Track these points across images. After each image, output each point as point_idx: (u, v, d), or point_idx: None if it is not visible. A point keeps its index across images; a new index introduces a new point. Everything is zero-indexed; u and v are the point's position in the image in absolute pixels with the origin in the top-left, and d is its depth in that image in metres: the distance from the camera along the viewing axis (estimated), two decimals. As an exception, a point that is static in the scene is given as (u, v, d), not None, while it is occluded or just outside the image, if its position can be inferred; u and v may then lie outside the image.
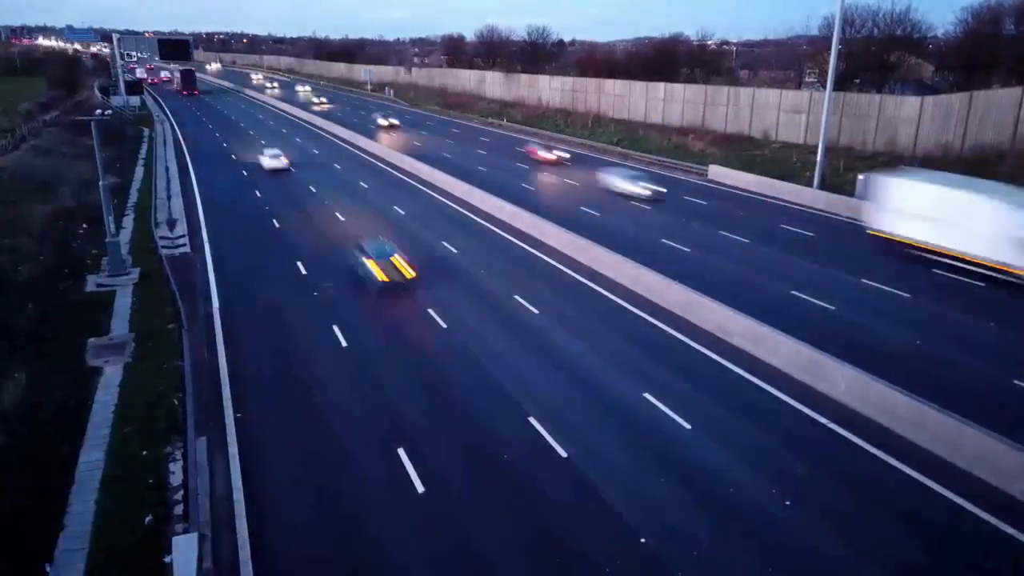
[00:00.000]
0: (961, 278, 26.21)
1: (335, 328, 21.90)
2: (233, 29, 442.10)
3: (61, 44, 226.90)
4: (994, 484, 14.16)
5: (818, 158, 38.88)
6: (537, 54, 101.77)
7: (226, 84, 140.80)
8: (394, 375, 19.12)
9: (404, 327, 22.36)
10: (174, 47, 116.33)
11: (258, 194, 41.76)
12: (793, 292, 24.89)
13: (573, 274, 27.38)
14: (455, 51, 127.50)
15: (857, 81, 56.64)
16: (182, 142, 62.87)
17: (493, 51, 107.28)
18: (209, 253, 30.04)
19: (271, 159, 48.98)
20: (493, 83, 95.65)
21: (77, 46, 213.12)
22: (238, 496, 14.00)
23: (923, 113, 44.05)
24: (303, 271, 27.57)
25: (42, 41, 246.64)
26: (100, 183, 27.39)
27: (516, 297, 24.67)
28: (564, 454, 15.45)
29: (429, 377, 19.01)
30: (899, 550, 12.76)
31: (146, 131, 67.44)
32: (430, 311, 23.30)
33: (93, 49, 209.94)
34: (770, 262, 28.69)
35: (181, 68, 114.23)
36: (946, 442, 15.13)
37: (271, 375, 19.18)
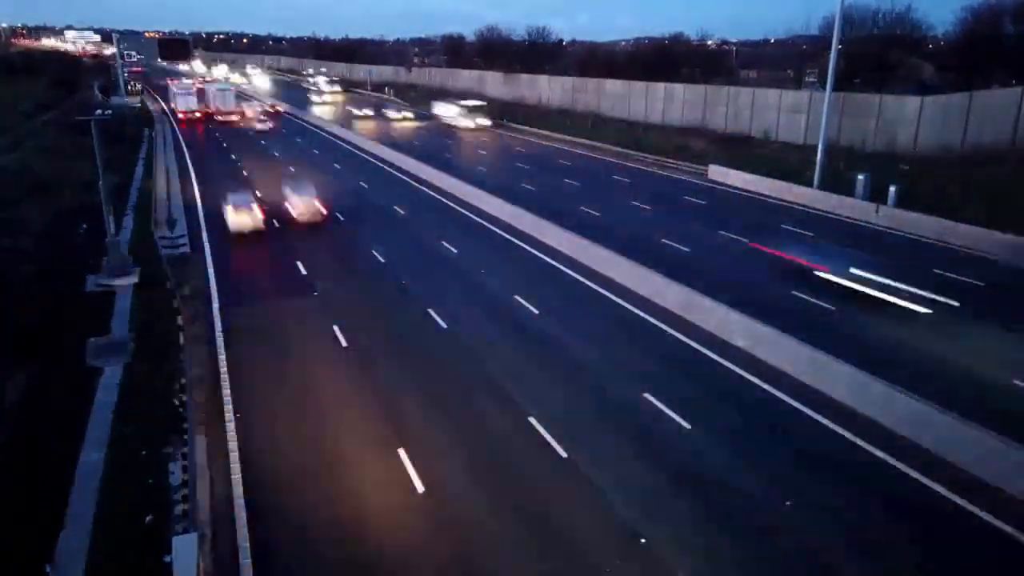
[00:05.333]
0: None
1: (335, 328, 21.89)
2: (233, 29, 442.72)
3: (64, 45, 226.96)
4: (995, 484, 14.16)
5: (818, 158, 38.88)
6: (537, 54, 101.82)
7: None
8: (393, 374, 19.12)
9: (403, 326, 22.37)
10: (174, 47, 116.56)
11: (258, 194, 41.70)
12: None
13: (572, 273, 27.38)
14: (455, 51, 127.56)
15: (857, 81, 56.65)
16: (182, 142, 62.88)
17: (493, 51, 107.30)
18: (209, 253, 30.03)
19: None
20: (493, 83, 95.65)
21: (74, 45, 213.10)
22: (238, 496, 13.99)
23: (923, 113, 44.06)
24: (303, 270, 27.57)
25: (43, 41, 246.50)
26: (100, 183, 27.39)
27: (517, 297, 24.71)
28: (564, 454, 15.45)
29: (429, 376, 19.03)
30: (899, 550, 12.77)
31: (146, 131, 67.37)
32: (430, 311, 23.32)
33: (92, 49, 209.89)
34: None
35: None
36: (947, 441, 15.13)
37: (271, 374, 19.17)
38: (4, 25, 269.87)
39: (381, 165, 52.52)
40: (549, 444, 15.80)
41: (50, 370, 18.87)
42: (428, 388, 18.41)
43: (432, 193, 42.67)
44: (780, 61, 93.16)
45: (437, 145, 62.59)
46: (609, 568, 12.27)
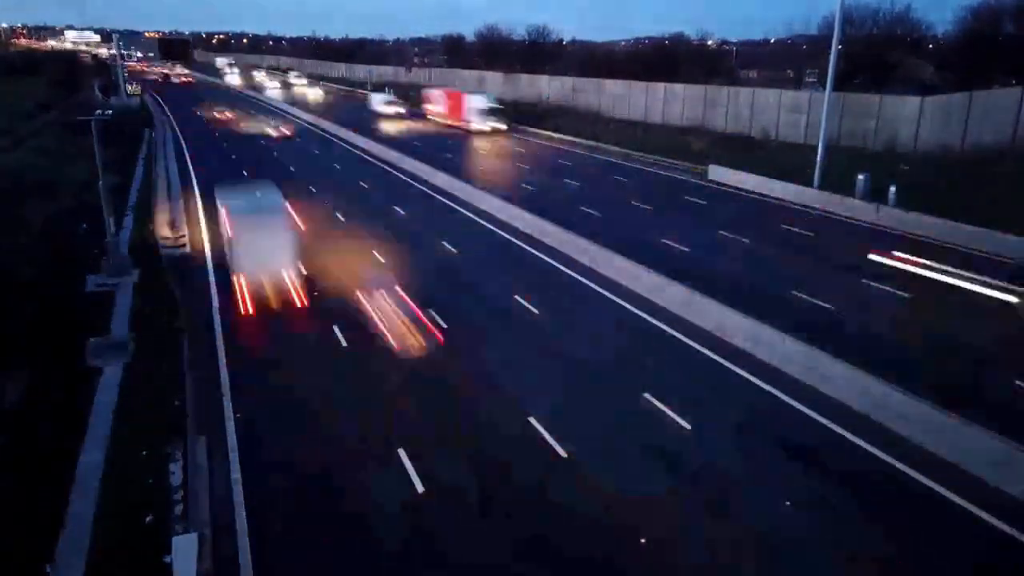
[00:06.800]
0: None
1: (335, 328, 21.89)
2: (233, 29, 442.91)
3: (63, 45, 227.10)
4: (995, 485, 14.15)
5: (818, 158, 38.88)
6: (537, 54, 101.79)
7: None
8: (393, 375, 19.14)
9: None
10: (174, 47, 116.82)
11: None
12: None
13: (572, 273, 27.39)
14: (455, 51, 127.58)
15: (857, 81, 56.67)
16: (182, 141, 62.89)
17: (493, 51, 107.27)
18: (209, 252, 30.03)
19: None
20: (493, 82, 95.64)
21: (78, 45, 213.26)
22: (238, 496, 14.01)
23: (923, 113, 44.08)
24: (303, 271, 27.52)
25: (43, 41, 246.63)
26: (100, 183, 27.39)
27: (516, 297, 24.73)
28: (564, 454, 15.46)
29: (430, 377, 19.06)
30: (900, 551, 12.77)
31: (146, 131, 67.37)
32: (432, 312, 23.33)
33: (93, 49, 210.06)
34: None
35: None
36: (947, 441, 15.12)
37: (271, 374, 19.20)
38: (4, 25, 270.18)
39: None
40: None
41: (50, 370, 18.87)
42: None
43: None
44: (780, 61, 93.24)
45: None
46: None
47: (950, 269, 25.58)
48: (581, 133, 63.97)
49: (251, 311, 23.06)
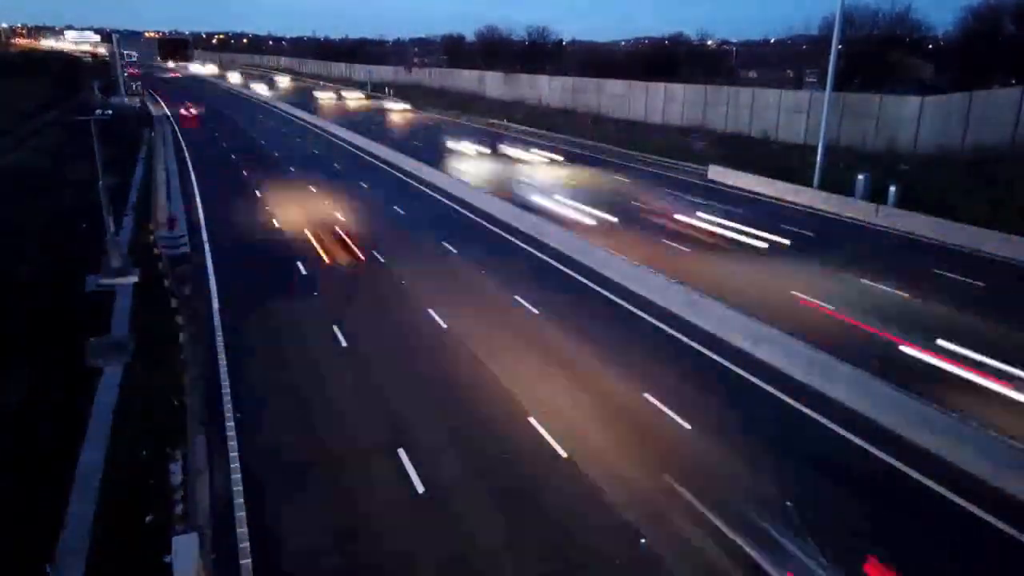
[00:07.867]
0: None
1: (335, 328, 21.88)
2: (233, 29, 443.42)
3: (63, 45, 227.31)
4: (995, 484, 14.14)
5: (818, 158, 38.89)
6: (537, 54, 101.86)
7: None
8: (393, 375, 19.13)
9: (403, 329, 22.39)
10: (174, 47, 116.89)
11: (258, 194, 41.78)
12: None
13: (574, 274, 27.40)
14: (455, 51, 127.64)
15: (857, 81, 56.66)
16: (182, 141, 62.88)
17: (493, 51, 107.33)
18: (209, 252, 30.04)
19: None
20: (493, 83, 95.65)
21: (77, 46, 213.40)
22: (238, 496, 13.99)
23: (923, 113, 44.07)
24: (303, 270, 27.58)
25: (43, 42, 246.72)
26: (100, 183, 27.38)
27: (516, 297, 24.73)
28: (564, 454, 15.45)
29: (429, 376, 19.04)
30: (901, 551, 12.77)
31: (146, 131, 67.36)
32: (430, 311, 23.33)
33: (90, 48, 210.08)
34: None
35: None
36: (947, 442, 15.12)
37: (271, 374, 19.19)
38: (4, 25, 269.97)
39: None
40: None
41: (50, 370, 18.86)
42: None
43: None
44: (780, 61, 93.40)
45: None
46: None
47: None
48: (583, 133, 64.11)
49: None
